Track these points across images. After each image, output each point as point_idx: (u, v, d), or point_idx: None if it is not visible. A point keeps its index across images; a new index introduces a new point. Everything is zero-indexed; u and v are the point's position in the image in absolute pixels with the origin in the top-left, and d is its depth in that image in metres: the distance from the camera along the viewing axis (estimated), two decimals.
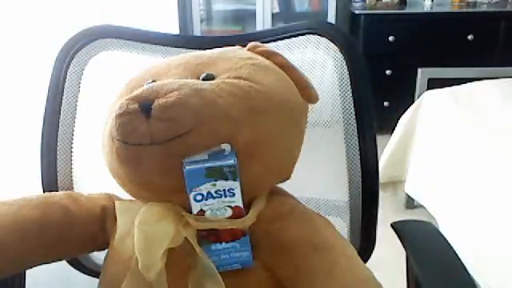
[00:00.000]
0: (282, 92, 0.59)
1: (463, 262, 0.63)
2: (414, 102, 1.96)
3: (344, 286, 0.53)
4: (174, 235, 0.54)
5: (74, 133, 0.76)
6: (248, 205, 0.56)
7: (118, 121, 0.52)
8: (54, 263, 0.65)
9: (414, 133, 1.91)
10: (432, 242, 0.70)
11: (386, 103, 2.67)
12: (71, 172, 0.76)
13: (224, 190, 0.51)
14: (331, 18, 2.69)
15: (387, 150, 2.01)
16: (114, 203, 0.63)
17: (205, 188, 0.51)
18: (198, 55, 0.64)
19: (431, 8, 2.77)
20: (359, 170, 0.73)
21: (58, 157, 0.75)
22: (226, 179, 0.51)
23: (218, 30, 2.88)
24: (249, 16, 2.77)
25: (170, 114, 0.50)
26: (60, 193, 0.68)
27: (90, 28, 0.76)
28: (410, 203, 2.01)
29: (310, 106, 0.65)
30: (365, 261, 0.74)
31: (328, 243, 0.58)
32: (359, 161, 0.73)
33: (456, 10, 2.75)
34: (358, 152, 0.73)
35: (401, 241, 0.70)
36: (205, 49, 0.68)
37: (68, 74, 0.74)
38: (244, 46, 0.67)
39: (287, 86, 0.61)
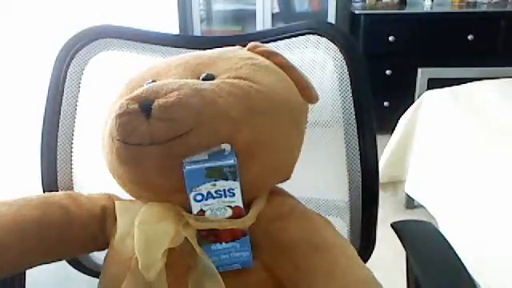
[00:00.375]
0: (282, 92, 0.59)
1: (463, 261, 0.63)
2: (414, 102, 1.96)
3: (344, 286, 0.53)
4: (173, 235, 0.54)
5: (74, 133, 0.76)
6: (248, 205, 0.56)
7: (118, 121, 0.52)
8: (53, 263, 0.65)
9: (414, 133, 1.91)
10: (432, 242, 0.70)
11: (386, 103, 2.67)
12: (71, 172, 0.76)
13: (224, 190, 0.51)
14: (331, 18, 2.69)
15: (387, 150, 2.01)
16: (113, 203, 0.63)
17: (205, 188, 0.51)
18: (198, 55, 0.64)
19: (431, 8, 2.77)
20: (359, 169, 0.73)
21: (58, 157, 0.75)
22: (226, 179, 0.51)
23: (218, 30, 2.88)
24: (249, 16, 2.77)
25: (170, 114, 0.50)
26: (60, 193, 0.68)
27: (90, 28, 0.76)
28: (410, 203, 2.01)
29: (310, 106, 0.65)
30: (365, 261, 0.74)
31: (328, 243, 0.58)
32: (359, 161, 0.73)
33: (456, 9, 2.75)
34: (358, 152, 0.73)
35: (401, 241, 0.70)
36: (205, 49, 0.68)
37: (68, 73, 0.74)
38: (244, 45, 0.67)
39: (287, 86, 0.61)
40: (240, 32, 2.75)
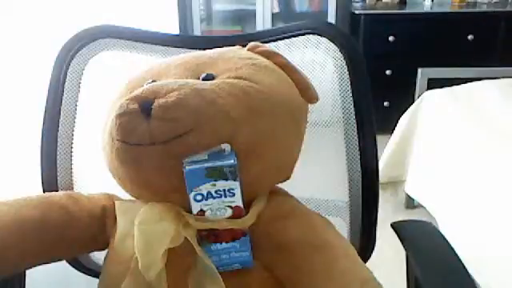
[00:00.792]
0: (282, 92, 0.59)
1: (463, 261, 0.63)
2: (414, 102, 1.96)
3: (344, 286, 0.53)
4: (173, 235, 0.54)
5: (74, 133, 0.76)
6: (248, 205, 0.56)
7: (118, 121, 0.52)
8: (53, 263, 0.65)
9: (414, 133, 1.91)
10: (432, 242, 0.70)
11: (386, 103, 2.67)
12: (71, 172, 0.76)
13: (224, 189, 0.51)
14: (331, 18, 2.69)
15: (387, 149, 2.01)
16: (113, 203, 0.63)
17: (205, 188, 0.51)
18: (198, 55, 0.64)
19: (431, 8, 2.77)
20: (359, 169, 0.73)
21: (58, 157, 0.75)
22: (226, 179, 0.51)
23: (217, 30, 2.88)
24: (249, 16, 2.77)
25: (170, 114, 0.50)
26: (60, 193, 0.68)
27: (90, 28, 0.76)
28: (410, 203, 2.01)
29: (310, 106, 0.65)
30: (365, 261, 0.74)
31: (328, 243, 0.58)
32: (359, 161, 0.73)
33: (456, 10, 2.75)
34: (358, 152, 0.73)
35: (401, 241, 0.70)
36: (205, 49, 0.68)
37: (68, 73, 0.74)
38: (244, 45, 0.67)
39: (287, 86, 0.61)
40: (240, 32, 2.74)
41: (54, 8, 1.20)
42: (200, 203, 0.52)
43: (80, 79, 0.75)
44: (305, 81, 0.62)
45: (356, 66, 0.71)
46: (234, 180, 0.51)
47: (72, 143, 0.76)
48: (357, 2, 2.84)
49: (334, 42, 0.72)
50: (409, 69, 2.18)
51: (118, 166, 0.56)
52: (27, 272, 0.67)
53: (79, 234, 0.64)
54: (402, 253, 0.71)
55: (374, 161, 0.73)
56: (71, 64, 0.74)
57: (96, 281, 0.66)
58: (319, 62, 0.74)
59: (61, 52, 0.75)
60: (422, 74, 1.98)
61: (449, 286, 0.61)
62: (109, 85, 0.67)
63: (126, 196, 0.62)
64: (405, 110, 1.97)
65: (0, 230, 0.58)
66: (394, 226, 0.73)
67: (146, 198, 0.58)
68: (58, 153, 0.75)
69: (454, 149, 1.63)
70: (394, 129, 2.00)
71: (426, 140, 1.82)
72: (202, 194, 0.51)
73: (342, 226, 0.77)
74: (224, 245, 0.55)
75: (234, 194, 0.52)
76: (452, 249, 0.66)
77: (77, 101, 0.76)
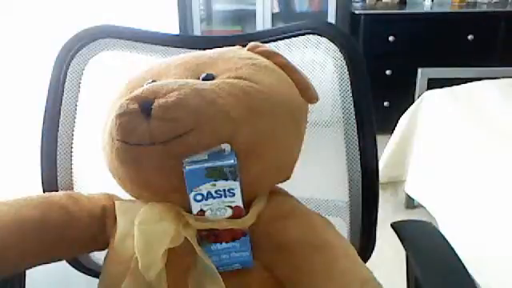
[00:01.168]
0: (282, 92, 0.59)
1: (463, 261, 0.63)
2: (414, 102, 1.96)
3: (344, 286, 0.53)
4: (173, 235, 0.54)
5: (74, 133, 0.76)
6: (248, 205, 0.56)
7: (118, 121, 0.52)
8: (53, 263, 0.65)
9: (414, 133, 1.91)
10: (432, 242, 0.70)
11: (386, 103, 2.67)
12: (71, 172, 0.76)
13: (224, 190, 0.51)
14: (331, 18, 2.69)
15: (387, 149, 2.01)
16: (114, 203, 0.63)
17: (205, 188, 0.51)
18: (198, 55, 0.64)
19: (431, 8, 2.77)
20: (359, 169, 0.73)
21: (58, 157, 0.75)
22: (226, 179, 0.51)
23: (217, 30, 2.88)
24: (249, 16, 2.77)
25: (170, 114, 0.50)
26: (60, 193, 0.68)
27: (90, 28, 0.76)
28: (410, 203, 2.01)
29: (310, 106, 0.65)
30: (365, 261, 0.74)
31: (328, 243, 0.58)
32: (359, 161, 0.73)
33: (456, 9, 2.75)
34: (358, 152, 0.73)
35: (401, 241, 0.70)
36: (205, 49, 0.68)
37: (68, 73, 0.74)
38: (244, 45, 0.67)
39: (287, 86, 0.61)
40: (240, 32, 2.74)
41: (54, 8, 1.20)
42: (200, 203, 0.52)
43: (80, 79, 0.75)
44: (305, 81, 0.62)
45: (356, 66, 0.71)
46: (234, 180, 0.51)
47: (72, 143, 0.76)
48: (357, 2, 2.84)
49: (333, 42, 0.72)
50: (409, 69, 2.18)
51: (117, 166, 0.56)
52: (27, 272, 0.67)
53: (79, 234, 0.64)
54: (402, 253, 0.71)
55: (374, 161, 0.73)
56: (71, 64, 0.74)
57: (96, 281, 0.66)
58: (319, 62, 0.74)
59: (61, 52, 0.75)
60: (422, 74, 1.98)
61: (449, 286, 0.61)
62: (109, 85, 0.67)
63: (126, 196, 0.62)
64: (405, 110, 1.97)
65: (0, 230, 0.58)
66: (394, 226, 0.73)
67: (146, 198, 0.58)
68: (58, 153, 0.75)
69: (453, 149, 1.63)
70: (394, 129, 2.00)
71: (426, 140, 1.82)
72: (202, 194, 0.51)
73: (341, 225, 0.77)
74: (224, 245, 0.55)
75: (234, 194, 0.52)
76: (452, 249, 0.66)
77: (77, 101, 0.76)
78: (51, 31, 1.09)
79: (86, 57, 0.75)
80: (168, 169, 0.52)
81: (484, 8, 2.71)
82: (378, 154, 0.73)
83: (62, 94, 0.74)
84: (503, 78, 1.92)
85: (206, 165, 0.50)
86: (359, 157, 0.73)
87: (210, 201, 0.52)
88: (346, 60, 0.71)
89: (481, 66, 2.10)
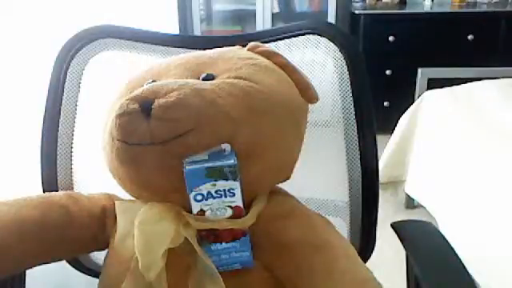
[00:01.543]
0: (282, 92, 0.59)
1: (463, 261, 0.63)
2: (414, 102, 1.96)
3: (344, 286, 0.53)
4: (174, 235, 0.54)
5: (74, 133, 0.76)
6: (248, 205, 0.56)
7: (118, 121, 0.52)
8: (53, 263, 0.65)
9: (414, 133, 1.91)
10: (432, 242, 0.70)
11: (386, 103, 2.67)
12: (71, 172, 0.76)
13: (224, 189, 0.51)
14: (331, 18, 2.69)
15: (387, 149, 2.01)
16: (114, 203, 0.63)
17: (205, 188, 0.51)
18: (198, 55, 0.64)
19: (431, 8, 2.77)
20: (359, 169, 0.73)
21: (58, 157, 0.75)
22: (226, 179, 0.51)
23: (217, 30, 2.88)
24: (249, 16, 2.77)
25: (170, 114, 0.50)
26: (60, 193, 0.68)
27: (90, 28, 0.76)
28: (410, 203, 2.01)
29: (310, 106, 0.65)
30: (365, 261, 0.74)
31: (328, 243, 0.58)
32: (359, 161, 0.73)
33: (456, 9, 2.75)
34: (358, 152, 0.73)
35: (401, 241, 0.70)
36: (205, 49, 0.68)
37: (68, 73, 0.74)
38: (244, 45, 0.67)
39: (287, 86, 0.61)
40: (240, 32, 2.74)
41: (54, 8, 1.20)
42: (200, 203, 0.52)
43: (80, 79, 0.75)
44: (305, 81, 0.62)
45: (356, 65, 0.71)
46: (234, 180, 0.51)
47: (72, 143, 0.76)
48: (357, 2, 2.84)
49: (333, 42, 0.72)
50: (409, 69, 2.17)
51: (118, 166, 0.56)
52: (27, 272, 0.67)
53: (79, 234, 0.64)
54: (402, 253, 0.71)
55: (374, 161, 0.73)
56: (71, 64, 0.74)
57: (96, 281, 0.66)
58: (319, 62, 0.74)
59: (61, 52, 0.75)
60: (422, 74, 1.98)
61: (449, 286, 0.61)
62: (109, 85, 0.67)
63: (126, 196, 0.62)
64: (405, 110, 1.97)
65: (0, 230, 0.58)
66: (394, 226, 0.73)
67: (145, 198, 0.58)
68: (58, 153, 0.75)
69: (453, 149, 1.63)
70: (394, 129, 2.00)
71: (426, 140, 1.82)
72: (202, 194, 0.51)
73: (341, 225, 0.77)
74: (224, 245, 0.55)
75: (234, 194, 0.52)
76: (452, 249, 0.66)
77: (77, 101, 0.76)
78: (51, 31, 1.09)
79: (86, 57, 0.75)
80: (168, 169, 0.52)
81: (484, 8, 2.71)
82: (378, 153, 0.73)
83: (62, 94, 0.74)
84: (503, 78, 1.92)
85: (206, 165, 0.50)
86: (359, 157, 0.73)
87: (210, 201, 0.52)
88: (346, 60, 0.71)
89: (481, 66, 2.10)
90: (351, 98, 0.72)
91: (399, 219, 0.75)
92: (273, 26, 2.70)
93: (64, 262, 0.70)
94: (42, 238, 0.61)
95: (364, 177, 0.73)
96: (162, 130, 0.50)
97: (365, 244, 0.76)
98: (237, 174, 0.50)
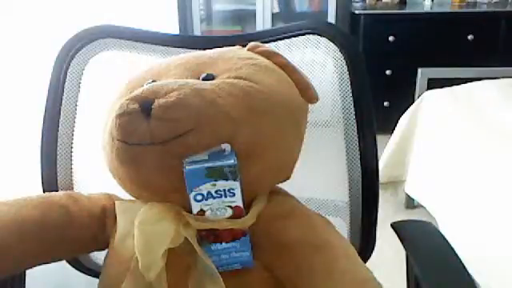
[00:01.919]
0: (282, 92, 0.59)
1: (463, 261, 0.63)
2: (414, 101, 1.96)
3: (344, 286, 0.53)
4: (174, 235, 0.54)
5: (74, 133, 0.76)
6: (248, 205, 0.56)
7: (118, 121, 0.52)
8: (53, 263, 0.65)
9: (414, 133, 1.91)
10: (432, 242, 0.70)
11: (386, 103, 2.67)
12: (71, 172, 0.76)
13: (224, 189, 0.51)
14: (331, 18, 2.69)
15: (387, 149, 2.01)
16: (114, 203, 0.63)
17: (205, 188, 0.51)
18: (198, 55, 0.64)
19: (431, 8, 2.77)
20: (359, 169, 0.73)
21: (58, 157, 0.75)
22: (227, 179, 0.51)
23: (217, 30, 2.88)
24: (249, 16, 2.77)
25: (171, 114, 0.50)
26: (60, 193, 0.68)
27: (90, 28, 0.76)
28: (410, 203, 2.01)
29: (310, 106, 0.65)
30: (365, 261, 0.74)
31: (328, 243, 0.58)
32: (359, 161, 0.73)
33: (456, 9, 2.75)
34: (358, 152, 0.73)
35: (401, 241, 0.70)
36: (205, 49, 0.68)
37: (68, 73, 0.74)
38: (244, 45, 0.67)
39: (287, 86, 0.61)
40: (240, 32, 2.74)
41: (54, 8, 1.20)
42: (200, 203, 0.52)
43: (80, 79, 0.75)
44: (305, 81, 0.62)
45: (356, 65, 0.71)
46: (235, 180, 0.51)
47: (72, 143, 0.76)
48: (357, 2, 2.84)
49: (333, 42, 0.72)
50: (409, 69, 2.17)
51: (118, 166, 0.56)
52: (27, 272, 0.67)
53: (79, 234, 0.64)
54: (402, 253, 0.71)
55: (374, 161, 0.73)
56: (71, 64, 0.74)
57: (96, 281, 0.66)
58: (319, 62, 0.74)
59: (61, 52, 0.75)
60: (422, 74, 1.98)
61: (449, 286, 0.61)
62: (109, 85, 0.67)
63: (126, 196, 0.62)
64: (405, 110, 1.97)
65: (0, 230, 0.58)
66: (394, 226, 0.73)
67: (145, 198, 0.58)
68: (58, 153, 0.75)
69: (453, 149, 1.63)
70: (394, 129, 2.00)
71: (426, 140, 1.82)
72: (202, 194, 0.51)
73: (341, 225, 0.77)
74: (224, 245, 0.55)
75: (234, 194, 0.52)
76: (452, 249, 0.66)
77: (77, 101, 0.76)
78: (51, 31, 1.09)
79: (86, 57, 0.75)
80: (168, 169, 0.52)
81: (484, 8, 2.71)
82: (378, 153, 0.73)
83: (62, 94, 0.74)
84: (503, 78, 1.92)
85: (207, 165, 0.50)
86: (359, 157, 0.73)
87: (210, 201, 0.52)
88: (346, 60, 0.71)
89: (481, 66, 2.10)
90: (351, 98, 0.72)
91: (399, 219, 0.75)
92: (273, 25, 2.70)
93: (64, 261, 0.70)
94: (41, 237, 0.61)
95: (364, 177, 0.73)
96: (162, 130, 0.50)
97: (365, 244, 0.76)
98: (237, 174, 0.50)
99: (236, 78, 0.57)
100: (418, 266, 0.64)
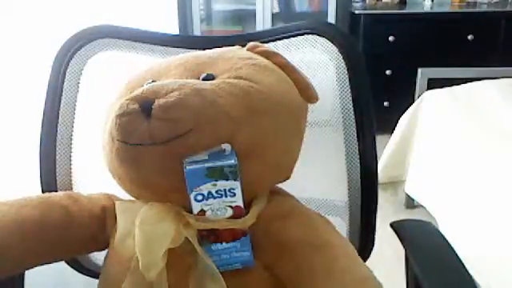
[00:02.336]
0: (282, 92, 0.59)
1: (463, 261, 0.63)
2: (413, 102, 1.96)
3: (344, 286, 0.53)
4: (174, 235, 0.54)
5: (73, 133, 0.76)
6: (248, 205, 0.56)
7: (118, 121, 0.52)
8: (53, 264, 0.64)
9: (414, 133, 1.91)
10: (432, 242, 0.70)
11: (385, 103, 2.67)
12: (71, 172, 0.76)
13: (224, 189, 0.51)
14: (331, 18, 2.69)
15: (387, 149, 2.01)
16: (114, 203, 0.63)
17: (205, 188, 0.51)
18: (198, 55, 0.64)
19: (431, 8, 2.78)
20: (359, 169, 0.73)
21: (58, 157, 0.75)
22: (227, 179, 0.51)
23: (217, 30, 2.88)
24: (249, 16, 2.77)
25: (171, 114, 0.50)
26: (60, 193, 0.68)
27: (90, 28, 0.76)
28: (410, 203, 2.01)
29: (310, 106, 0.65)
30: (364, 260, 0.74)
31: (328, 243, 0.58)
32: (359, 161, 0.73)
33: (456, 9, 2.76)
34: (358, 152, 0.73)
35: (400, 240, 0.70)
36: (205, 49, 0.68)
37: (67, 73, 0.74)
38: (244, 45, 0.67)
39: (287, 86, 0.61)
40: (240, 32, 2.74)
41: (54, 8, 1.20)
42: (200, 203, 0.52)
43: (79, 79, 0.75)
44: (304, 80, 0.62)
45: (355, 65, 0.71)
46: (235, 180, 0.51)
47: (71, 143, 0.76)
48: (357, 2, 2.84)
49: (333, 42, 0.72)
50: (409, 69, 2.18)
51: (117, 166, 0.56)
52: (27, 272, 0.67)
53: (79, 234, 0.64)
54: (402, 252, 0.71)
55: (374, 161, 0.73)
56: (70, 64, 0.74)
57: (95, 281, 0.66)
58: (319, 62, 0.74)
59: (59, 52, 0.75)
60: (422, 74, 1.98)
61: (449, 286, 0.61)
62: (108, 85, 0.67)
63: (126, 196, 0.62)
64: (405, 110, 1.97)
65: (0, 230, 0.58)
66: (394, 225, 0.73)
67: (146, 198, 0.58)
68: (58, 153, 0.75)
69: (453, 149, 1.63)
70: (394, 129, 2.00)
71: (426, 140, 1.82)
72: (203, 194, 0.51)
73: (341, 225, 0.77)
74: (224, 245, 0.55)
75: (234, 194, 0.52)
76: (452, 249, 0.66)
77: (75, 101, 0.76)
78: (51, 31, 1.09)
79: (85, 57, 0.75)
80: (168, 169, 0.52)
81: (484, 8, 2.71)
82: (378, 153, 0.73)
83: (61, 94, 0.74)
84: (503, 78, 1.92)
85: (207, 165, 0.50)
86: (359, 157, 0.73)
87: (211, 201, 0.52)
88: (346, 60, 0.71)
89: (481, 66, 2.10)
90: (351, 98, 0.72)
91: (399, 219, 0.75)
92: (273, 26, 2.70)
93: (63, 262, 0.70)
94: (42, 237, 0.61)
95: (363, 176, 0.73)
96: (163, 130, 0.50)
97: (364, 244, 0.76)
98: (237, 173, 0.50)
99: (236, 77, 0.57)
100: (418, 266, 0.64)
